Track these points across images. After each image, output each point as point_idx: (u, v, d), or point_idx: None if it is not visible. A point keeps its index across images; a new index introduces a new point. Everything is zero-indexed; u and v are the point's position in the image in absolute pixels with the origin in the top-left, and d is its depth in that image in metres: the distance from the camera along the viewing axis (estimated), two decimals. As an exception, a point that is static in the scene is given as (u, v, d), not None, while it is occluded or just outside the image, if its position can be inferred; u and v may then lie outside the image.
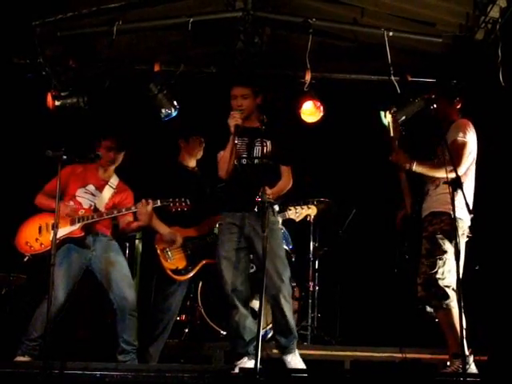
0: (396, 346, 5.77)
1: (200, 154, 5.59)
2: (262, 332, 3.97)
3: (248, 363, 4.55)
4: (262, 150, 4.78)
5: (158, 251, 5.25)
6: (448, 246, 4.50)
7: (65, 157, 4.59)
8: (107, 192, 5.19)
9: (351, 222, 7.27)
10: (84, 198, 5.11)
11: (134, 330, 4.95)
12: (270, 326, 6.27)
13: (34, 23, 5.67)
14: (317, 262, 7.05)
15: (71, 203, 5.03)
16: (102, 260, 4.99)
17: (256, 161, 4.79)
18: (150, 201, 4.97)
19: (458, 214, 4.36)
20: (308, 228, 6.97)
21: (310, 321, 6.72)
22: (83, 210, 5.01)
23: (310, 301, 6.81)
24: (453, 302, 4.42)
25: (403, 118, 5.49)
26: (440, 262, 4.50)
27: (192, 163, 5.62)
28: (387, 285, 7.04)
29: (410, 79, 6.04)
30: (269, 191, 4.42)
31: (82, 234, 4.94)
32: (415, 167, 4.65)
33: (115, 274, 4.97)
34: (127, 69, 6.23)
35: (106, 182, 5.22)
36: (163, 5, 5.83)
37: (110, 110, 6.60)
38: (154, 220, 5.29)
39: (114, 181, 5.27)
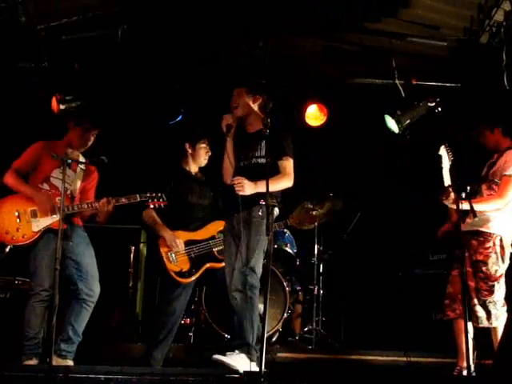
0: (400, 349, 5.77)
1: (204, 163, 5.59)
2: (265, 335, 3.97)
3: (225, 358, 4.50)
4: (261, 149, 4.71)
5: (163, 253, 5.27)
6: (502, 268, 4.73)
7: (69, 161, 4.60)
8: (79, 173, 5.02)
9: (356, 225, 7.27)
10: (60, 179, 4.79)
11: (85, 323, 4.90)
12: (275, 329, 6.28)
13: (39, 27, 5.69)
14: (321, 266, 7.04)
15: (45, 186, 4.87)
16: (76, 251, 4.88)
17: (253, 160, 4.74)
18: (110, 200, 4.86)
19: (502, 233, 4.63)
20: (312, 231, 6.96)
21: (314, 324, 6.70)
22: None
23: (315, 304, 6.79)
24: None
25: (408, 121, 5.49)
26: (497, 286, 4.71)
27: (195, 168, 5.62)
28: (392, 288, 7.04)
29: (414, 83, 6.04)
30: (248, 183, 4.50)
31: (65, 225, 4.72)
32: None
33: (89, 267, 4.92)
34: (131, 72, 6.24)
35: (78, 162, 5.03)
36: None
37: (114, 112, 6.62)
38: (157, 223, 5.31)
39: (83, 160, 5.08)
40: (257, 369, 3.93)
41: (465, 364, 4.38)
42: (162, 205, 5.03)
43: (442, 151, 4.87)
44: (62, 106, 5.88)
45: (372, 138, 6.90)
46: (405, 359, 5.62)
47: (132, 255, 6.89)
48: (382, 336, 6.55)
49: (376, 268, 7.40)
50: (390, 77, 5.95)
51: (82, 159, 5.08)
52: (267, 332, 5.68)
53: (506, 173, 4.76)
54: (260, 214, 4.62)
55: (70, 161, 4.45)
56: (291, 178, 4.74)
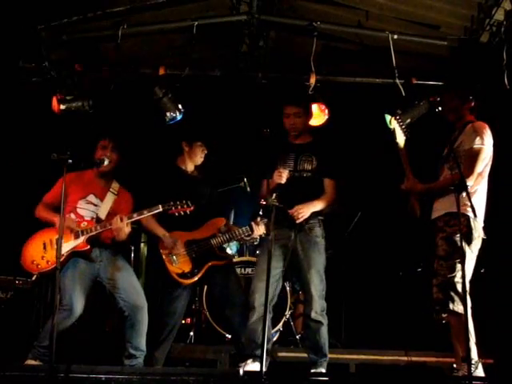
0: (401, 349, 5.77)
1: (200, 161, 5.56)
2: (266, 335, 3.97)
3: (251, 365, 4.56)
4: (308, 164, 5.05)
5: (163, 255, 5.24)
6: (467, 249, 4.43)
7: (70, 160, 4.58)
8: (109, 199, 5.11)
9: (356, 224, 7.26)
10: (85, 209, 5.02)
11: (144, 336, 4.94)
12: (276, 328, 6.28)
13: (40, 27, 5.69)
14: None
15: (72, 216, 4.96)
16: (109, 270, 4.95)
17: (303, 174, 5.03)
18: (123, 217, 4.87)
19: (470, 214, 4.42)
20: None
21: (315, 324, 6.70)
22: (86, 222, 4.94)
23: (315, 304, 6.79)
24: (468, 308, 4.34)
25: (408, 120, 5.48)
26: (459, 266, 4.41)
27: (190, 167, 5.59)
28: (392, 288, 7.04)
29: (414, 82, 6.04)
30: (302, 209, 4.80)
31: (88, 246, 4.88)
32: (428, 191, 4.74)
33: (124, 282, 4.95)
34: (132, 72, 6.23)
35: (108, 189, 5.15)
36: (168, 8, 5.84)
37: (115, 113, 6.61)
38: (155, 225, 5.27)
39: (115, 186, 5.21)
40: (257, 368, 3.94)
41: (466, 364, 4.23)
42: (187, 211, 5.02)
43: (394, 124, 4.82)
44: (62, 106, 5.87)
45: (372, 136, 6.89)
46: (406, 358, 5.63)
47: (132, 255, 6.89)
48: (383, 335, 6.55)
49: (377, 267, 7.40)
50: (390, 76, 5.94)
51: (115, 184, 5.22)
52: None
53: (473, 146, 4.57)
54: (320, 231, 5.00)
55: (70, 160, 4.43)
56: (335, 198, 5.08)
